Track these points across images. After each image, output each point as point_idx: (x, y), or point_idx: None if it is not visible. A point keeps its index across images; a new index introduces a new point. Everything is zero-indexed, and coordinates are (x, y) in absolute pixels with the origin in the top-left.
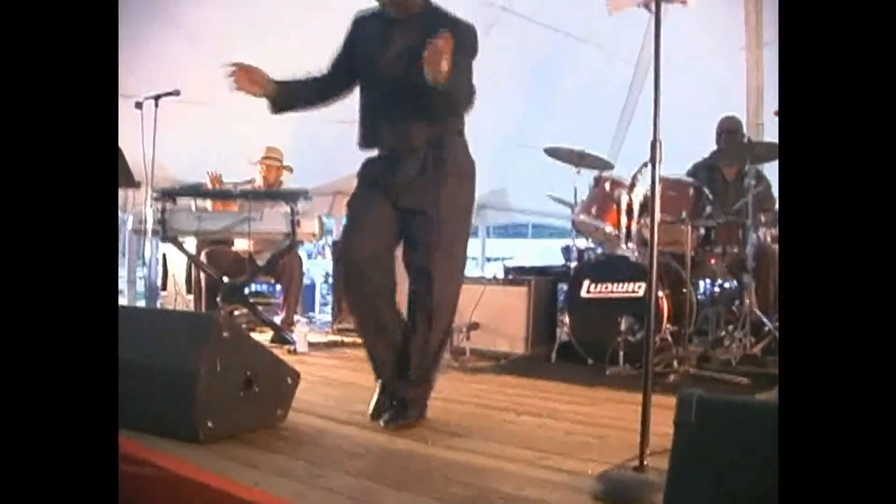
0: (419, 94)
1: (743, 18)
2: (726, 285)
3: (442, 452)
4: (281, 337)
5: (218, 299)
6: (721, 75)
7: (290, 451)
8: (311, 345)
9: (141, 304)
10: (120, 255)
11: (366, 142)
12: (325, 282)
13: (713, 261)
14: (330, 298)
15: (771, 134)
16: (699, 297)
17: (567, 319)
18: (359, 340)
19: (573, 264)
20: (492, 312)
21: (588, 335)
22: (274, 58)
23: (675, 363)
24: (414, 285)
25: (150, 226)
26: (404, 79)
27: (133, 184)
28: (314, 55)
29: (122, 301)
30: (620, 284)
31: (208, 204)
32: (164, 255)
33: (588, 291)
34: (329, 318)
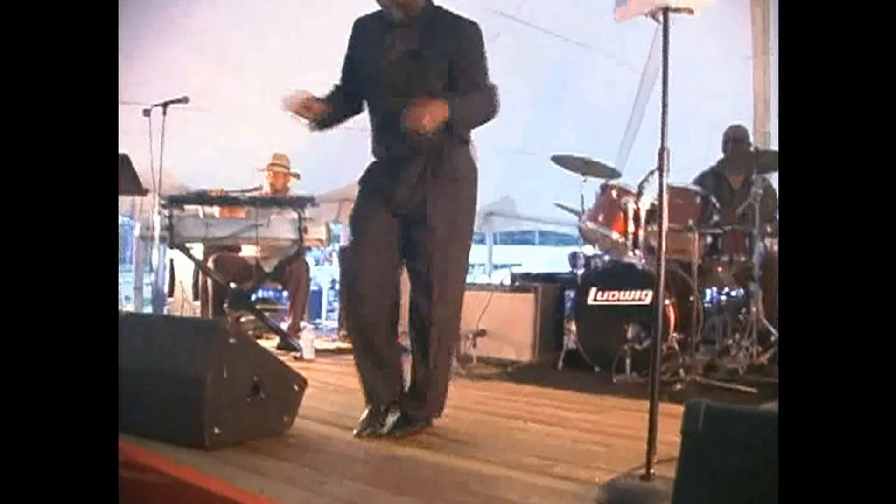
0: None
1: (750, 28)
2: (733, 294)
3: (448, 460)
4: (287, 343)
5: (225, 306)
6: (728, 84)
7: (296, 458)
8: (318, 351)
9: (148, 310)
10: (127, 261)
11: (376, 151)
12: (332, 288)
13: (720, 269)
14: (336, 305)
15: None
16: (706, 305)
17: (574, 327)
18: None
19: (580, 271)
20: (499, 319)
21: (595, 343)
22: (281, 64)
23: (682, 372)
24: (414, 290)
25: (157, 232)
26: (408, 84)
27: (141, 191)
28: (317, 58)
29: (129, 307)
30: (627, 292)
31: (216, 210)
32: (171, 262)
33: (595, 299)
34: (335, 324)
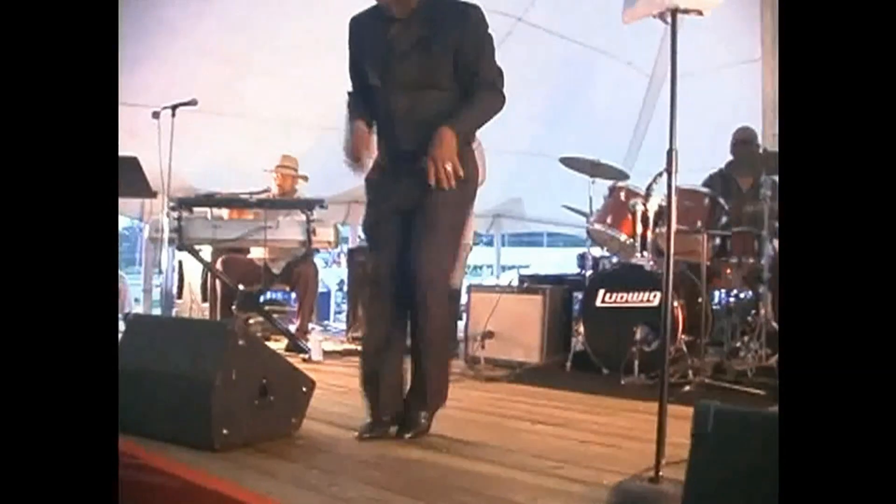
0: (431, 98)
1: (759, 29)
2: (742, 296)
3: (456, 462)
4: (296, 345)
5: (233, 307)
6: (736, 86)
7: (304, 460)
8: (326, 353)
9: (157, 312)
10: (136, 263)
11: (383, 145)
12: (340, 290)
13: (729, 271)
14: (345, 307)
15: None
16: (714, 307)
17: (582, 328)
18: None
19: (588, 273)
20: (507, 321)
21: (603, 344)
22: (289, 66)
23: (691, 374)
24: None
25: (166, 234)
26: (420, 75)
27: (150, 193)
28: (325, 59)
29: (138, 309)
30: (635, 294)
31: (224, 212)
32: (180, 264)
33: (603, 300)
34: (344, 326)
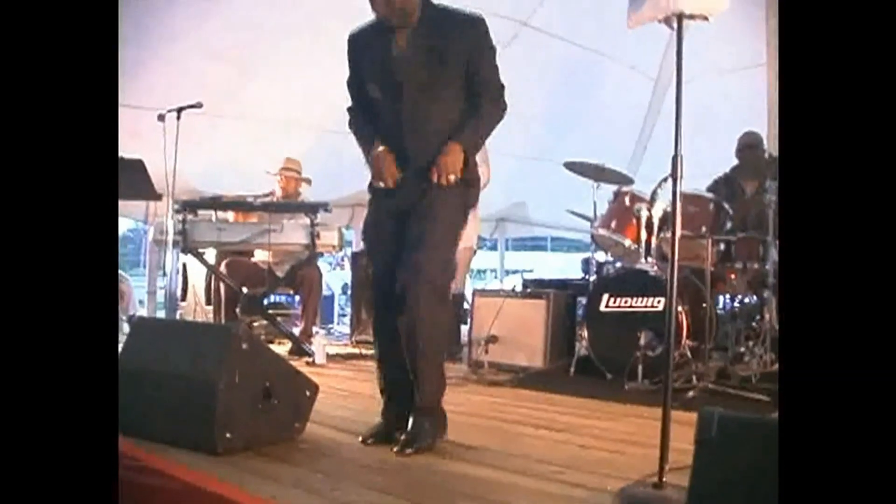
0: (437, 107)
1: (764, 33)
2: (746, 301)
3: (459, 466)
4: (299, 348)
5: (237, 310)
6: (742, 90)
7: (307, 464)
8: (330, 356)
9: (161, 314)
10: (141, 265)
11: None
12: (344, 293)
13: (733, 276)
14: (348, 310)
15: None
16: (719, 312)
17: (586, 333)
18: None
19: (592, 278)
20: (510, 325)
21: (607, 349)
22: (295, 69)
23: (695, 379)
24: (401, 276)
25: (171, 237)
26: (430, 79)
27: (155, 196)
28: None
29: (142, 311)
30: (640, 299)
31: (229, 215)
32: (184, 266)
33: (607, 305)
34: (347, 329)
